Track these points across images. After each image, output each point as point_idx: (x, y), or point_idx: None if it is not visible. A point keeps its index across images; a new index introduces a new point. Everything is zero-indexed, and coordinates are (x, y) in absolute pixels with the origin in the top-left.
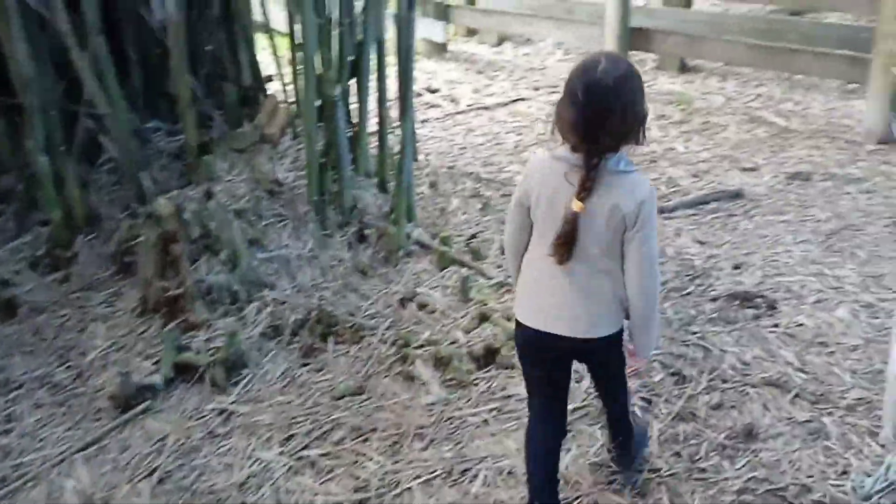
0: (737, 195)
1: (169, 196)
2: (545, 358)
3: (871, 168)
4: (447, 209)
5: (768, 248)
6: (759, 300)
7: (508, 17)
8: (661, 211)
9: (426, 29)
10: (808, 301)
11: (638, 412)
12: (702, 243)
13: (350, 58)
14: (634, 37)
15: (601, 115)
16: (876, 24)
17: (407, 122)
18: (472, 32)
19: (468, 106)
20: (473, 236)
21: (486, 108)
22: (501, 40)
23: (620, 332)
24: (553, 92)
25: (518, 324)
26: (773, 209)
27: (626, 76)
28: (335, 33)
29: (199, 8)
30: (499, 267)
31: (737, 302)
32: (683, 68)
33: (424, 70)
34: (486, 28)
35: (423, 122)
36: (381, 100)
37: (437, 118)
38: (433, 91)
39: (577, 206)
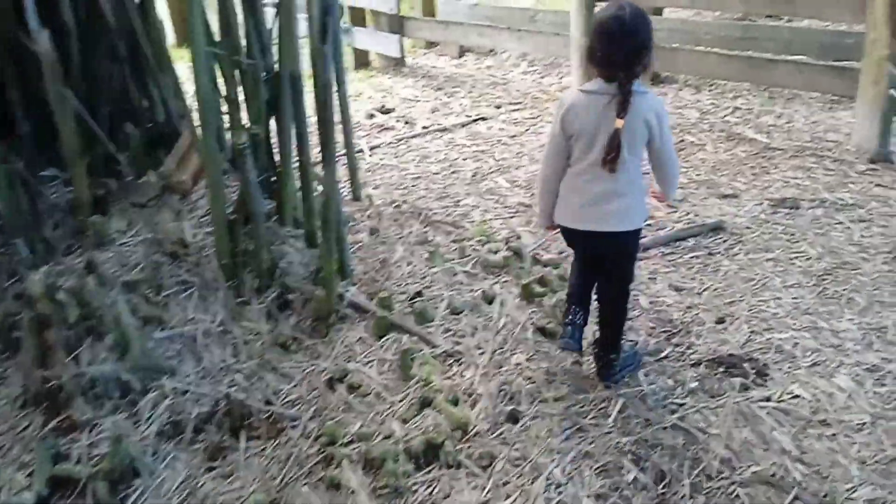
0: (717, 228)
1: (44, 270)
2: (589, 250)
3: (864, 192)
4: (390, 260)
5: (754, 294)
6: (746, 365)
7: (467, 28)
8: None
9: (380, 43)
10: (802, 364)
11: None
12: (680, 290)
13: (265, 95)
14: None
15: (636, 47)
16: (864, 31)
17: (330, 171)
18: (431, 44)
19: (424, 128)
20: (418, 294)
21: (443, 129)
22: (463, 52)
23: (639, 230)
24: (516, 109)
25: (561, 226)
26: (757, 245)
27: (643, 15)
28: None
29: (95, 35)
30: (447, 332)
31: (722, 368)
32: (655, 79)
33: (379, 87)
34: (443, 41)
35: (373, 148)
36: (302, 143)
37: (390, 143)
38: (386, 111)
39: (619, 123)
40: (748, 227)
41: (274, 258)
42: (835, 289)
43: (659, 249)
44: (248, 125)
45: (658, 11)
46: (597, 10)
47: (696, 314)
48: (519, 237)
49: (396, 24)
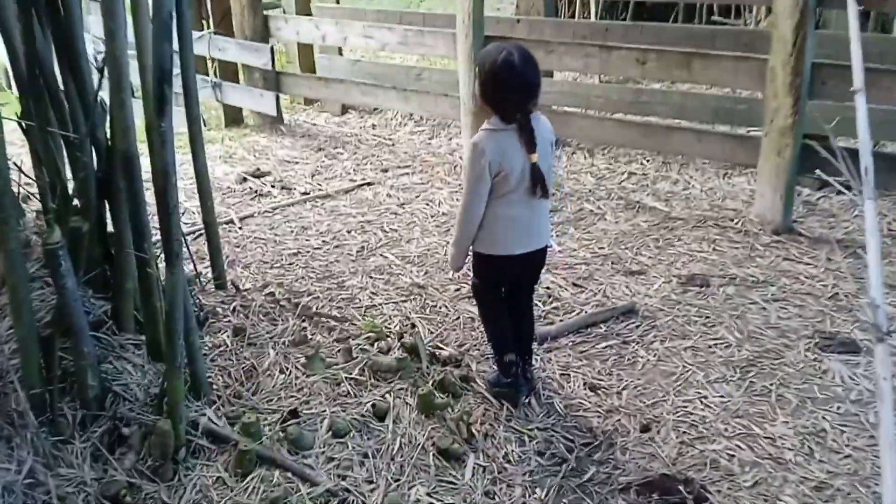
0: (629, 311)
1: None
2: (526, 267)
3: (773, 267)
4: (258, 367)
5: (678, 392)
6: (682, 488)
7: (349, 85)
8: (542, 340)
9: (254, 100)
10: (743, 483)
11: None
12: (596, 389)
13: (93, 177)
14: None
15: (529, 89)
16: (759, 97)
17: (173, 274)
18: (311, 101)
19: (304, 194)
20: (293, 413)
21: (325, 196)
22: (345, 109)
23: None
24: (405, 173)
25: (498, 258)
26: (673, 330)
27: (531, 56)
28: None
29: None
30: (330, 462)
31: (655, 494)
32: None
33: (254, 147)
34: (324, 98)
35: (244, 219)
36: (140, 234)
37: (265, 212)
38: (261, 175)
39: (534, 157)
40: (660, 309)
41: (104, 380)
42: (762, 384)
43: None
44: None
45: (548, 74)
46: (484, 51)
47: (618, 420)
48: (413, 326)
49: (272, 81)
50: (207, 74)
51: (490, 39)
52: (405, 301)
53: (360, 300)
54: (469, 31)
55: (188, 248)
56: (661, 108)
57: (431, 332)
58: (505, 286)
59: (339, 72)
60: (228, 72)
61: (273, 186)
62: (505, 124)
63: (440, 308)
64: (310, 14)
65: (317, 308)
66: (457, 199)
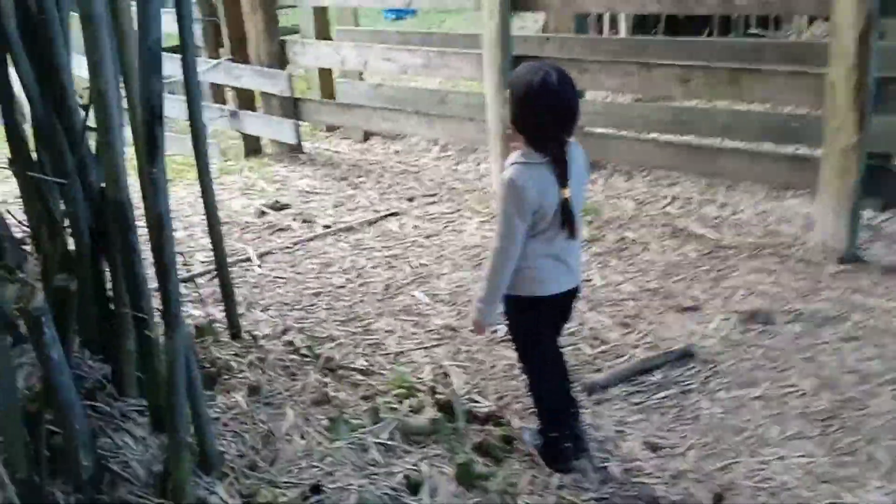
0: (685, 355)
1: None
2: (564, 309)
3: (843, 300)
4: (276, 433)
5: (752, 452)
6: None
7: (369, 112)
8: (591, 390)
9: (272, 128)
10: None
11: None
12: (658, 449)
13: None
14: None
15: (566, 113)
16: (815, 114)
17: (175, 337)
18: (333, 127)
19: (326, 227)
20: (316, 488)
21: (349, 228)
22: (368, 135)
23: None
24: (431, 202)
25: (542, 300)
26: (738, 377)
27: (568, 76)
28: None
29: None
30: None
31: None
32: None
33: (273, 178)
34: (344, 125)
35: (263, 256)
36: (137, 291)
37: (285, 247)
38: (280, 208)
39: (566, 193)
40: (721, 352)
41: (100, 457)
42: (847, 440)
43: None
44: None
45: (580, 94)
46: (517, 73)
47: (686, 488)
48: (446, 375)
49: (290, 108)
50: (225, 103)
51: (519, 60)
52: (437, 346)
53: (387, 346)
54: (497, 50)
55: (200, 295)
56: (704, 126)
57: (467, 383)
58: (546, 332)
59: (359, 97)
60: (245, 100)
61: (293, 219)
62: (539, 155)
63: (475, 354)
64: (329, 38)
65: (340, 356)
66: (488, 229)
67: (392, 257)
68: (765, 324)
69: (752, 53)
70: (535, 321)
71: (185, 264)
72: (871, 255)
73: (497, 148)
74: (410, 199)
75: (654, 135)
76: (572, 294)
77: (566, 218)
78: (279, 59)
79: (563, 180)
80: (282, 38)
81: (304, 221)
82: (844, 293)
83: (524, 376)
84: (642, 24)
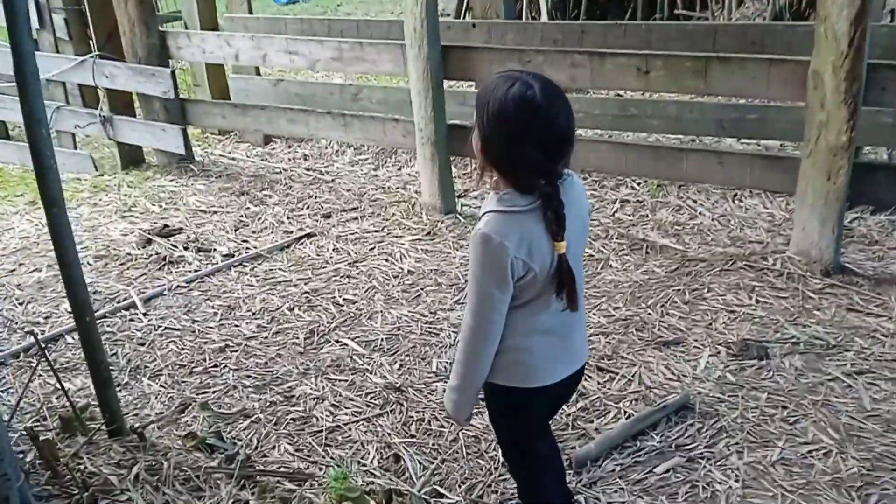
0: (682, 407)
1: None
2: (563, 395)
3: (839, 323)
4: None
5: None
6: None
7: (272, 113)
8: (580, 465)
9: (155, 136)
10: None
11: None
12: None
13: None
14: (454, 135)
15: (559, 138)
16: (806, 109)
17: None
18: (226, 129)
19: (226, 256)
20: None
21: (255, 256)
22: (268, 139)
23: None
24: (352, 218)
25: (534, 391)
26: (749, 434)
27: (558, 90)
28: None
29: None
30: None
31: None
32: None
33: (158, 195)
34: (242, 129)
35: (149, 300)
36: None
37: (178, 286)
38: (169, 234)
39: (560, 247)
40: (720, 399)
41: None
42: None
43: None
44: None
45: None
46: (484, 85)
47: None
48: (398, 458)
49: (176, 111)
50: (96, 107)
51: (447, 50)
52: (380, 416)
53: (317, 420)
54: (423, 40)
55: (56, 376)
56: (652, 122)
57: (425, 467)
58: (542, 426)
59: (257, 95)
60: (121, 102)
61: (186, 248)
62: (524, 200)
63: (429, 422)
64: (217, 27)
65: (258, 444)
66: (422, 250)
67: (312, 293)
68: (760, 358)
69: (705, 39)
70: (526, 418)
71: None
72: (853, 263)
73: (427, 154)
74: (327, 216)
75: (598, 133)
76: (576, 376)
77: (564, 281)
78: (159, 55)
79: (557, 231)
80: (162, 28)
81: (200, 250)
82: (838, 313)
83: (509, 476)
84: (562, 6)
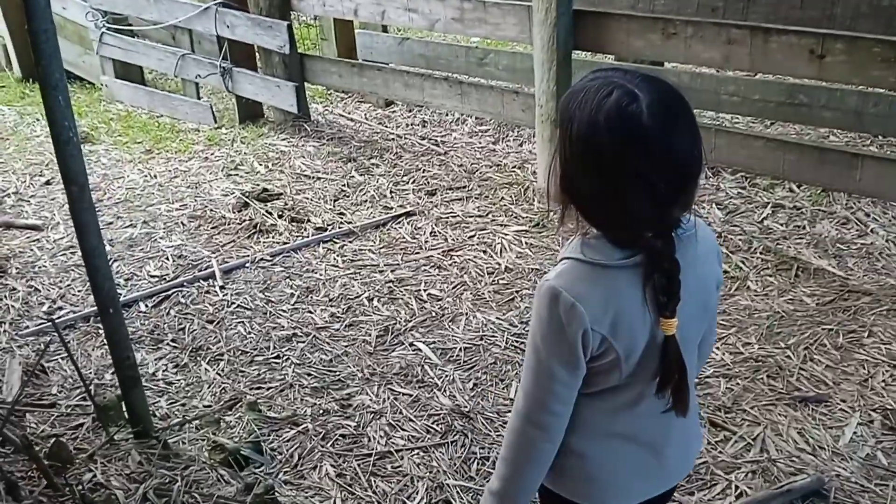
0: (813, 494)
1: None
2: None
3: None
4: None
5: None
6: None
7: (388, 75)
8: None
9: (271, 92)
10: None
11: None
12: None
13: None
14: None
15: (694, 169)
16: None
17: None
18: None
19: (318, 230)
20: None
21: (348, 233)
22: (390, 102)
23: None
24: (457, 198)
25: None
26: None
27: (684, 102)
28: None
29: None
30: None
31: None
32: None
33: (267, 154)
34: (358, 91)
35: (230, 272)
36: None
37: (261, 259)
38: (267, 198)
39: (670, 326)
40: (864, 488)
41: None
42: None
43: None
44: None
45: (658, 63)
46: (570, 93)
47: None
48: None
49: (294, 67)
50: (218, 57)
51: (579, 15)
52: (439, 446)
53: (368, 441)
54: (552, 2)
55: (74, 364)
56: (825, 114)
57: None
58: None
59: (382, 53)
60: (242, 54)
61: (280, 216)
62: (619, 253)
63: (493, 463)
64: None
65: (298, 460)
66: (527, 244)
67: (396, 283)
68: None
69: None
70: None
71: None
72: None
73: (546, 134)
74: (431, 193)
75: (752, 122)
76: (665, 497)
77: (669, 374)
78: (280, 6)
79: (667, 303)
80: None
81: (293, 220)
82: None
83: None
84: None
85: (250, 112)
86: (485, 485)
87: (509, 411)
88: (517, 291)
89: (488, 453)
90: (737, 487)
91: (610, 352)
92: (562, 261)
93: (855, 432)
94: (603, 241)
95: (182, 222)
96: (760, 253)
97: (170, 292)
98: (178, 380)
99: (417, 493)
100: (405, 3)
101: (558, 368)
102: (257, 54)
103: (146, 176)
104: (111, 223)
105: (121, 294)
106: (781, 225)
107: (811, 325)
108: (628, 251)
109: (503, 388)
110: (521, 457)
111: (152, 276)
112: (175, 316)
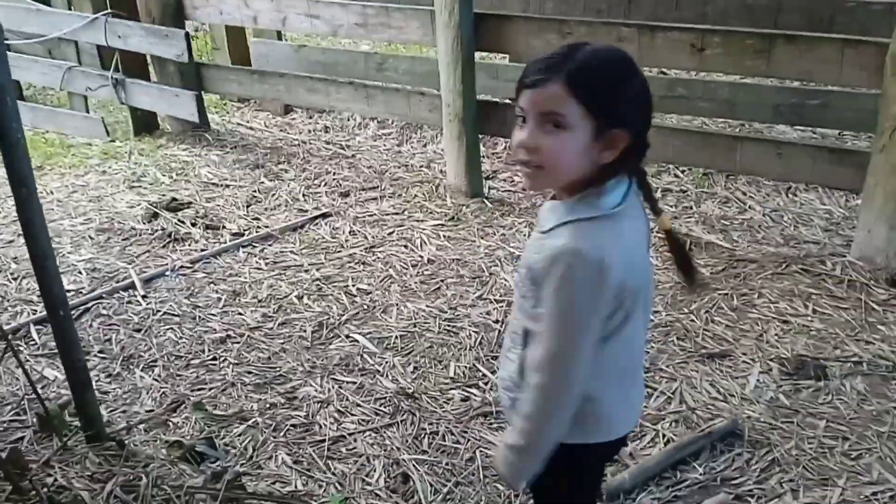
0: (730, 434)
1: None
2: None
3: None
4: None
5: None
6: None
7: (290, 81)
8: (612, 497)
9: (168, 102)
10: None
11: None
12: None
13: None
14: (484, 112)
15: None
16: (882, 98)
17: None
18: (246, 98)
19: (235, 235)
20: None
21: (266, 237)
22: (289, 108)
23: None
24: (371, 198)
25: (600, 447)
26: (805, 469)
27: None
28: None
29: None
30: None
31: None
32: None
33: (169, 165)
34: (259, 98)
35: (149, 281)
36: None
37: (181, 267)
38: (177, 208)
39: (667, 221)
40: (772, 426)
41: None
42: None
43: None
44: None
45: None
46: (603, 58)
47: None
48: (406, 478)
49: (191, 76)
50: (109, 68)
51: (480, 18)
52: (389, 426)
53: (320, 428)
54: (455, 5)
55: (25, 372)
56: (702, 104)
57: (436, 490)
58: (594, 488)
59: (278, 61)
60: (135, 65)
61: (194, 224)
62: (610, 197)
63: (443, 436)
64: None
65: (253, 453)
66: (444, 237)
67: (323, 280)
68: (817, 379)
69: (767, 15)
70: (587, 480)
71: None
72: None
73: (454, 132)
74: (345, 195)
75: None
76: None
77: (683, 258)
78: (174, 15)
79: (654, 205)
80: None
81: (208, 228)
82: None
83: None
84: None
85: (146, 124)
86: (439, 457)
87: (451, 389)
88: (442, 280)
89: (437, 428)
90: (664, 435)
91: (626, 293)
92: (563, 225)
93: (758, 380)
94: (592, 198)
95: (89, 236)
96: (656, 233)
97: (89, 305)
98: (114, 388)
99: (375, 471)
100: (306, 9)
101: (592, 323)
102: (150, 65)
103: (41, 192)
104: (12, 241)
105: (35, 311)
106: (671, 206)
107: (708, 291)
108: (615, 196)
109: (442, 369)
110: (548, 416)
111: (67, 291)
112: (99, 328)
